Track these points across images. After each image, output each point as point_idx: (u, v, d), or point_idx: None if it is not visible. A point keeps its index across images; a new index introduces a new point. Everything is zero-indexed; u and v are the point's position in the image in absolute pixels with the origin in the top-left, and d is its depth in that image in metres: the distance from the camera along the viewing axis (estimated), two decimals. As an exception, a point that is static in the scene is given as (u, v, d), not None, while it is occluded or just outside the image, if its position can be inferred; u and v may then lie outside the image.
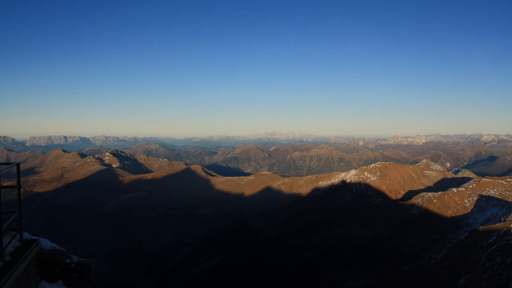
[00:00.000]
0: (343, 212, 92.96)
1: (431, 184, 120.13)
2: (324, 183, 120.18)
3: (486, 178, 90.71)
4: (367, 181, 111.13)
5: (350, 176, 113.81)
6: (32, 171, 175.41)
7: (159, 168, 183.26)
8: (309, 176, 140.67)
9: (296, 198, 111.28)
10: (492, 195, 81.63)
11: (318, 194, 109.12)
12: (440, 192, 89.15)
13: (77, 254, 6.66)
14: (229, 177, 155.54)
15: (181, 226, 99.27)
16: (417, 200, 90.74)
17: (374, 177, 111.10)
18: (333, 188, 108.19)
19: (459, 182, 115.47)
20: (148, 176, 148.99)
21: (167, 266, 78.94)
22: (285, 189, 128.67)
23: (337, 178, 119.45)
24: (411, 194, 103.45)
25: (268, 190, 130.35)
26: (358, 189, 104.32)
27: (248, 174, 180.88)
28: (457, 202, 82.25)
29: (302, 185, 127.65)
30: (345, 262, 66.66)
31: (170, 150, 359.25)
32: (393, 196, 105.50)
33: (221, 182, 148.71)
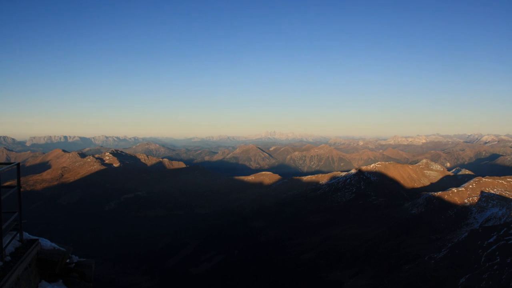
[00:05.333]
0: (343, 212, 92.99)
1: (431, 184, 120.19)
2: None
3: (486, 178, 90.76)
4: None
5: (350, 176, 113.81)
6: (32, 171, 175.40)
7: (160, 167, 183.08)
8: (309, 176, 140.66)
9: (298, 194, 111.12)
10: (492, 195, 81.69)
11: (319, 193, 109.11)
12: (440, 192, 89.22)
13: (77, 254, 6.67)
14: (230, 177, 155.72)
15: (181, 226, 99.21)
16: (417, 200, 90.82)
17: (374, 177, 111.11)
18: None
19: (459, 182, 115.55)
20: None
21: (167, 266, 78.91)
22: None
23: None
24: (411, 194, 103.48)
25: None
26: (358, 189, 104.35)
27: (253, 172, 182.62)
28: (457, 202, 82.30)
29: (303, 185, 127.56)
30: (345, 262, 66.68)
31: (170, 150, 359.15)
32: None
33: (223, 182, 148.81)
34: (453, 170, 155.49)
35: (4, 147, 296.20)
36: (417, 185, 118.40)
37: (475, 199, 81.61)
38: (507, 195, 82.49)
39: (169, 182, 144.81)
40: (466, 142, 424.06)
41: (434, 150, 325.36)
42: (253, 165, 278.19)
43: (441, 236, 67.50)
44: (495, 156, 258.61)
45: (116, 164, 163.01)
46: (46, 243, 5.94)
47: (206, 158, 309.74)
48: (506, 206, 73.72)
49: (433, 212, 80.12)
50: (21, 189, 5.47)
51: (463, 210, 78.56)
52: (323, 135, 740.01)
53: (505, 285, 39.92)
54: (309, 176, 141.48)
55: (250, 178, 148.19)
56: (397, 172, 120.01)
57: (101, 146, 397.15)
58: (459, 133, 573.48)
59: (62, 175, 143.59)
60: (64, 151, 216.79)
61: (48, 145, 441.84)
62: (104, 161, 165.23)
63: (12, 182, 6.53)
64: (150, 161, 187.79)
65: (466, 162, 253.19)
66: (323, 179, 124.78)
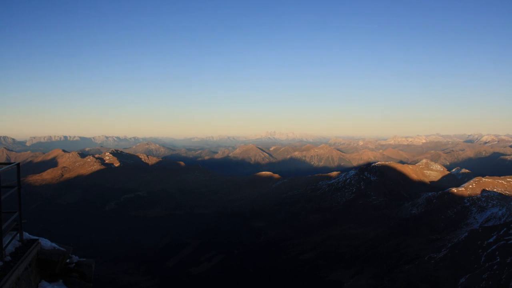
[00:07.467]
0: (343, 212, 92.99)
1: (431, 184, 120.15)
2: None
3: (486, 178, 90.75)
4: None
5: (351, 176, 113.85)
6: (32, 171, 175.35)
7: (160, 167, 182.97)
8: (309, 176, 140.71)
9: (298, 194, 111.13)
10: (492, 195, 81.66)
11: (319, 193, 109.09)
12: (440, 192, 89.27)
13: (77, 254, 6.67)
14: (231, 177, 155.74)
15: (181, 226, 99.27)
16: (417, 200, 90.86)
17: (374, 177, 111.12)
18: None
19: (459, 182, 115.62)
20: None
21: (167, 266, 78.98)
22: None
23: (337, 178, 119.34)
24: (411, 194, 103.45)
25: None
26: (358, 189, 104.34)
27: (253, 171, 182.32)
28: (457, 202, 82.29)
29: (303, 185, 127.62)
30: (345, 262, 66.70)
31: (170, 149, 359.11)
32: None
33: (223, 182, 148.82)
34: (453, 170, 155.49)
35: (4, 147, 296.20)
36: (417, 185, 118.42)
37: (475, 199, 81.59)
38: (507, 195, 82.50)
39: (169, 182, 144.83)
40: (466, 142, 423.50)
41: (434, 150, 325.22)
42: (253, 165, 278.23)
43: (441, 236, 67.51)
44: (495, 156, 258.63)
45: (116, 164, 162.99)
46: (46, 243, 5.94)
47: (206, 158, 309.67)
48: (506, 206, 73.71)
49: (433, 212, 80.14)
50: (21, 189, 5.48)
51: (463, 210, 78.54)
52: (323, 135, 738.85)
53: (505, 285, 39.96)
54: (309, 176, 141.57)
55: (250, 178, 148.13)
56: (398, 171, 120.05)
57: (101, 146, 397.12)
58: (459, 133, 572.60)
59: (62, 175, 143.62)
60: (64, 151, 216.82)
61: (48, 145, 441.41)
62: (104, 161, 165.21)
63: (12, 182, 6.53)
64: (150, 161, 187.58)
65: (466, 162, 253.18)
66: (323, 178, 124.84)
